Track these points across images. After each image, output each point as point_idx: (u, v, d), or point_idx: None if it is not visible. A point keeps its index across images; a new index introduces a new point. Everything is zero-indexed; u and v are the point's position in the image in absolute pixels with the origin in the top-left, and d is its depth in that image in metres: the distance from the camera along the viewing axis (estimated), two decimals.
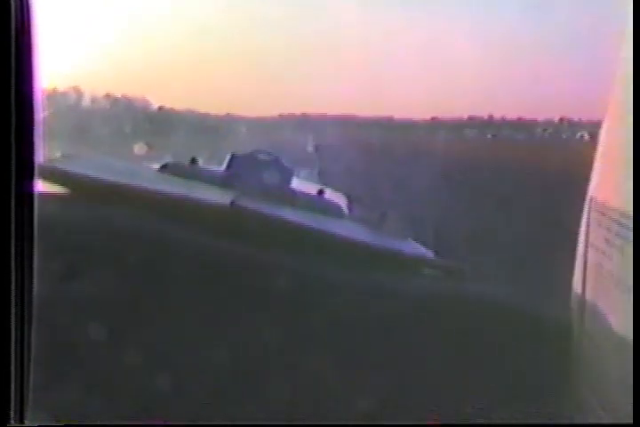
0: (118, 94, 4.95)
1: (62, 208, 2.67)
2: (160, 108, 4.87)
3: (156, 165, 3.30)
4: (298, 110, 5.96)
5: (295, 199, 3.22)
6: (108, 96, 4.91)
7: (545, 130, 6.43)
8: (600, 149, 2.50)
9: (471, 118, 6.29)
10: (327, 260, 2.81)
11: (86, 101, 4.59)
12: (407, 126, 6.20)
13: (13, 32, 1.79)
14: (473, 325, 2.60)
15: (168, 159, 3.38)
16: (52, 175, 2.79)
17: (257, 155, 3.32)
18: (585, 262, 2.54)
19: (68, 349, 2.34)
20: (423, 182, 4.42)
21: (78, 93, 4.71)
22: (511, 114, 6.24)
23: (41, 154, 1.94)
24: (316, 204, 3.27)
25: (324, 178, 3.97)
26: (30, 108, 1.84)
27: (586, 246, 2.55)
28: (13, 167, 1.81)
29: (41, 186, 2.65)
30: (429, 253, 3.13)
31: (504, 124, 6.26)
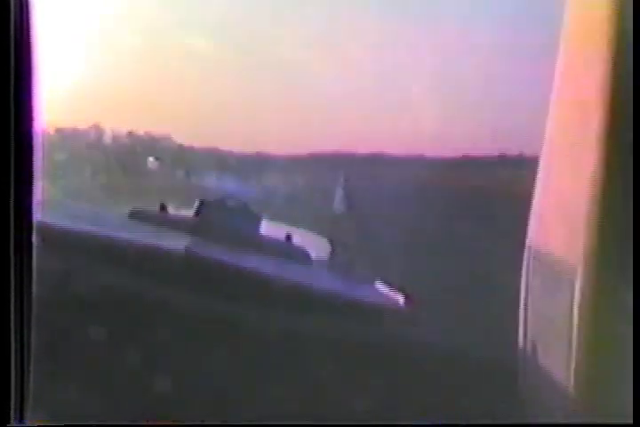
0: (141, 132, 5.04)
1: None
2: (180, 146, 4.96)
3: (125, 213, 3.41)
4: (328, 149, 6.02)
5: (262, 245, 3.29)
6: (129, 134, 5.02)
7: None
8: (536, 192, 2.55)
9: (501, 156, 6.28)
10: (291, 309, 2.85)
11: (105, 139, 4.72)
12: (440, 164, 6.20)
13: (13, 37, 1.89)
14: (432, 371, 2.65)
15: (138, 204, 3.49)
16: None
17: (225, 201, 3.42)
18: (525, 309, 2.60)
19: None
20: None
21: (97, 131, 4.82)
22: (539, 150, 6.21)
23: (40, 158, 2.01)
24: (284, 250, 3.34)
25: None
26: (30, 114, 1.95)
27: (526, 293, 2.60)
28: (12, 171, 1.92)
29: None
30: (398, 301, 3.14)
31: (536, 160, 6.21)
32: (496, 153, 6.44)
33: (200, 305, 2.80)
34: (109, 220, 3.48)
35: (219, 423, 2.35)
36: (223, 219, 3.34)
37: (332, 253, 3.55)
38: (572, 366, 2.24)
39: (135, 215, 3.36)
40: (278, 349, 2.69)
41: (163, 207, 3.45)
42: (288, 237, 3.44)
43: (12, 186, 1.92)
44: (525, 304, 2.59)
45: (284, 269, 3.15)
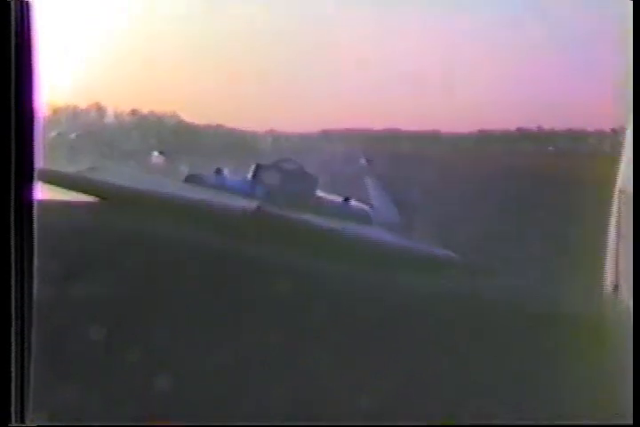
0: (145, 111, 5.08)
1: (89, 216, 2.86)
2: (185, 124, 5.01)
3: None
4: (342, 125, 6.10)
5: (321, 207, 3.38)
6: (133, 112, 5.06)
7: (600, 141, 6.49)
8: (628, 140, 2.60)
9: (519, 130, 6.38)
10: (353, 262, 2.94)
11: (110, 117, 4.76)
12: (455, 139, 6.30)
13: (13, 42, 1.91)
14: (502, 323, 2.71)
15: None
16: (82, 185, 2.99)
17: (282, 164, 3.50)
18: (617, 257, 2.62)
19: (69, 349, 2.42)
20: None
21: (100, 110, 4.86)
22: (559, 124, 6.30)
23: (40, 159, 2.06)
24: (343, 211, 3.42)
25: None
26: (30, 113, 1.96)
27: (617, 240, 2.63)
28: (13, 173, 1.94)
29: (69, 195, 2.89)
30: (459, 257, 3.25)
31: (554, 135, 6.34)
32: (514, 127, 6.59)
33: (270, 258, 2.86)
34: (165, 184, 3.54)
35: (218, 424, 2.38)
36: (280, 180, 3.42)
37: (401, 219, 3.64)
38: None
39: (191, 179, 3.44)
40: (343, 298, 2.75)
41: (219, 171, 3.52)
42: (346, 199, 3.53)
43: (12, 185, 1.95)
44: (617, 252, 2.63)
45: (347, 228, 3.23)
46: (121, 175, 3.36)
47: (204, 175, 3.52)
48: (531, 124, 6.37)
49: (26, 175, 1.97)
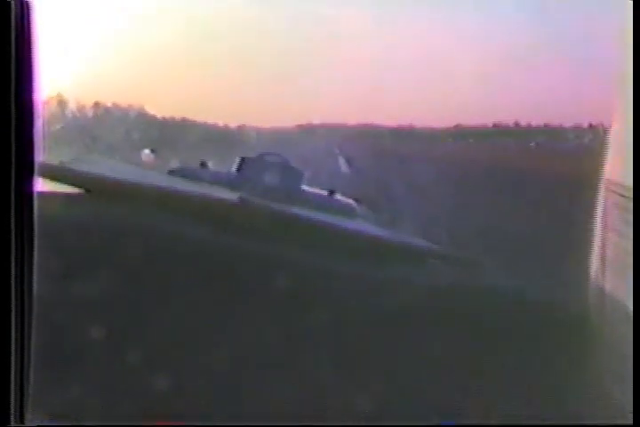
0: (125, 104, 5.12)
1: (76, 208, 2.94)
2: (169, 118, 5.07)
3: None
4: (316, 120, 6.19)
5: (306, 199, 3.47)
6: (115, 105, 5.10)
7: (578, 137, 6.63)
8: (613, 132, 2.68)
9: (496, 125, 6.50)
10: (337, 253, 3.04)
11: (91, 111, 4.82)
12: (431, 134, 6.41)
13: (13, 42, 1.99)
14: (487, 314, 2.81)
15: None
16: (67, 176, 3.07)
17: (266, 157, 3.59)
18: (603, 246, 2.71)
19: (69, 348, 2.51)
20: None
21: (81, 103, 4.90)
22: (536, 120, 6.42)
23: (41, 154, 2.14)
24: (328, 203, 3.52)
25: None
26: (30, 110, 2.04)
27: (604, 229, 2.71)
28: (14, 168, 2.02)
29: (53, 187, 2.96)
30: (442, 247, 3.35)
31: (531, 131, 6.46)
32: (490, 122, 6.70)
33: (254, 250, 2.94)
34: (150, 176, 3.62)
35: (219, 424, 2.46)
36: (264, 174, 3.49)
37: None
38: None
39: (176, 172, 3.52)
40: (325, 290, 2.83)
41: (203, 164, 3.60)
42: (331, 193, 3.62)
43: (13, 184, 2.03)
44: (603, 242, 2.70)
45: (331, 220, 3.32)
46: (105, 167, 3.44)
47: (188, 168, 3.60)
48: (507, 120, 6.51)
49: (26, 169, 2.05)
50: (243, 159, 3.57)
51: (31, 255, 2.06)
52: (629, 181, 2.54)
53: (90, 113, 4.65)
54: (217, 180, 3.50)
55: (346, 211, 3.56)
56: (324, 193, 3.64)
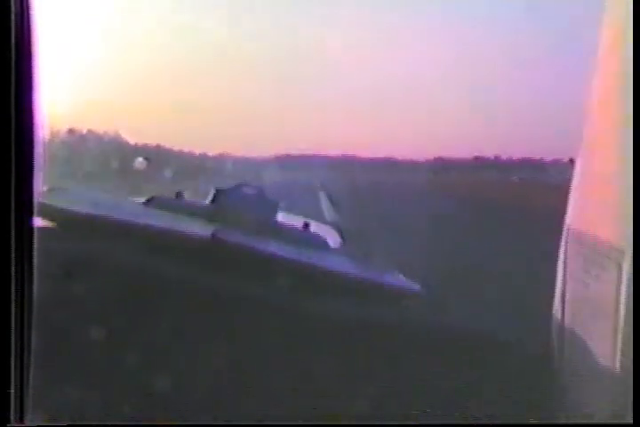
0: (104, 131, 5.19)
1: (48, 242, 2.96)
2: (157, 146, 5.15)
3: (141, 200, 3.60)
4: (295, 151, 6.27)
5: (280, 232, 3.49)
6: (96, 133, 5.17)
7: (560, 172, 6.69)
8: (576, 176, 2.75)
9: (477, 159, 6.61)
10: (310, 292, 3.08)
11: (74, 138, 4.88)
12: (413, 167, 6.50)
13: (13, 42, 1.99)
14: (455, 355, 2.85)
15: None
16: (40, 209, 3.09)
17: (241, 188, 3.62)
18: (563, 291, 2.77)
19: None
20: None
21: (69, 130, 4.96)
22: (516, 154, 6.54)
23: (40, 185, 2.18)
24: (301, 237, 3.55)
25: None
26: (30, 139, 2.07)
27: (564, 276, 2.78)
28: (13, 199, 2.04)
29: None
30: (414, 286, 3.41)
31: (512, 165, 6.57)
32: (470, 156, 6.80)
33: (224, 286, 2.98)
34: (124, 207, 3.65)
35: (219, 423, 2.47)
36: (239, 206, 3.54)
37: (344, 243, 3.78)
38: (618, 348, 2.30)
39: (152, 202, 3.55)
40: (299, 330, 2.87)
41: (179, 194, 3.64)
42: (305, 225, 3.67)
43: (13, 184, 2.04)
44: (563, 287, 2.76)
45: (303, 255, 3.36)
46: (77, 197, 3.47)
47: (163, 198, 3.64)
48: (488, 153, 6.63)
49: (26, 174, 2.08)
50: (217, 190, 3.61)
51: (30, 261, 2.09)
52: (590, 230, 2.59)
53: (64, 139, 4.70)
54: (192, 211, 3.54)
55: (318, 244, 3.61)
56: (300, 224, 3.69)
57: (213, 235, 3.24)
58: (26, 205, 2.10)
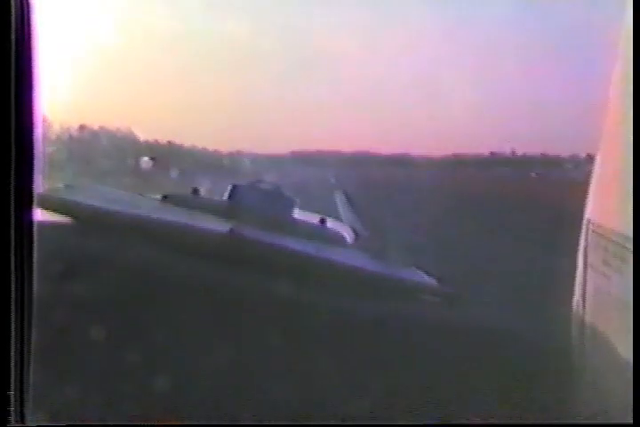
0: (117, 127, 5.17)
1: (66, 237, 2.98)
2: (169, 143, 5.15)
3: (158, 196, 3.64)
4: (311, 147, 6.27)
5: (296, 228, 3.53)
6: (115, 130, 5.15)
7: (576, 167, 6.69)
8: (596, 171, 2.76)
9: (493, 154, 6.60)
10: (328, 287, 3.10)
11: (87, 134, 4.88)
12: (428, 163, 6.48)
13: (13, 42, 2.01)
14: (474, 351, 2.87)
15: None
16: (57, 205, 3.11)
17: (258, 185, 3.66)
18: (584, 284, 2.78)
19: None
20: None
21: (80, 127, 4.95)
22: (533, 149, 6.54)
23: (40, 182, 2.20)
24: (318, 233, 3.58)
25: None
26: (30, 136, 2.06)
27: (584, 268, 2.79)
28: (13, 196, 2.05)
29: (45, 215, 3.01)
30: (432, 281, 3.43)
31: (528, 160, 6.56)
32: (487, 152, 6.80)
33: (241, 282, 3.00)
34: (141, 203, 3.68)
35: (219, 423, 2.46)
36: (256, 202, 3.57)
37: (359, 240, 3.80)
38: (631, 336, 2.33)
39: (168, 199, 3.59)
40: (316, 325, 2.89)
41: (195, 191, 3.67)
42: (322, 221, 3.69)
43: (13, 185, 2.05)
44: (583, 279, 2.77)
45: (320, 251, 3.38)
46: (95, 194, 3.50)
47: (180, 195, 3.67)
48: (504, 149, 6.62)
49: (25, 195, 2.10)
50: (234, 187, 3.64)
51: (30, 260, 2.10)
52: (610, 223, 2.59)
53: (76, 136, 4.71)
54: (209, 207, 3.57)
55: (336, 240, 3.63)
56: (316, 220, 3.72)
57: (231, 231, 3.26)
58: (26, 202, 2.11)
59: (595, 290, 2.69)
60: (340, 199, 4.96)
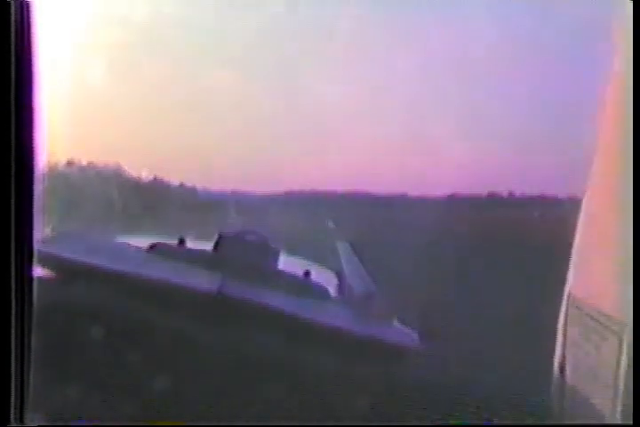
0: (104, 164, 5.17)
1: (48, 292, 3.03)
2: (155, 179, 5.18)
3: (145, 245, 3.69)
4: (306, 187, 6.30)
5: (281, 282, 3.58)
6: (96, 165, 5.15)
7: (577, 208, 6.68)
8: (577, 241, 2.79)
9: (491, 195, 6.63)
10: (312, 346, 3.15)
11: (75, 171, 4.90)
12: (426, 204, 6.50)
13: (13, 42, 2.00)
14: (457, 412, 2.91)
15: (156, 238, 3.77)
16: (38, 258, 3.15)
17: (244, 236, 3.71)
18: (562, 358, 2.82)
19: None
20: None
21: (68, 162, 4.96)
22: (531, 190, 6.56)
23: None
24: (302, 286, 3.63)
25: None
26: (30, 186, 2.07)
27: (563, 342, 2.83)
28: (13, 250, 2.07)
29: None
30: (413, 339, 3.46)
31: (527, 201, 6.58)
32: (485, 192, 6.83)
33: (226, 339, 3.05)
34: (126, 254, 3.73)
35: (219, 424, 2.56)
36: (242, 253, 3.62)
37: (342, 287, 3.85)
38: (618, 419, 2.46)
39: (154, 249, 3.64)
40: (294, 382, 2.93)
41: (181, 241, 3.72)
42: (306, 274, 3.74)
43: (13, 187, 2.05)
44: (562, 353, 2.80)
45: (303, 308, 3.44)
46: (79, 245, 3.55)
47: (167, 245, 3.72)
48: (501, 190, 6.64)
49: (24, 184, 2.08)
50: (220, 237, 3.69)
51: (30, 264, 2.11)
52: (592, 300, 2.63)
53: (64, 172, 4.72)
54: (195, 258, 3.62)
55: (319, 294, 3.68)
56: (300, 272, 3.76)
57: (219, 289, 3.32)
58: (26, 253, 2.15)
59: (574, 364, 2.72)
60: (343, 250, 4.99)
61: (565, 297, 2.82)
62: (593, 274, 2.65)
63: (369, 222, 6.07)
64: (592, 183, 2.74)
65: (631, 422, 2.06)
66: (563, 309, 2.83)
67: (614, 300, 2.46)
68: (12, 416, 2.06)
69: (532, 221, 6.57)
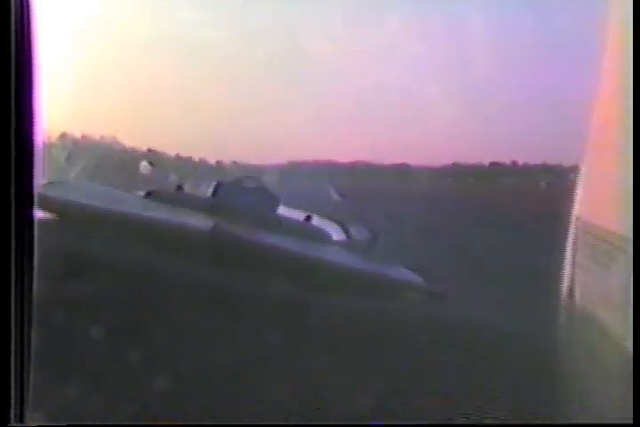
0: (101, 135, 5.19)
1: (49, 234, 3.04)
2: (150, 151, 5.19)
3: (142, 193, 3.70)
4: (308, 157, 6.30)
5: (281, 225, 3.59)
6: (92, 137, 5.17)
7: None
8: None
9: (494, 164, 6.61)
10: (312, 285, 3.15)
11: (77, 142, 4.92)
12: (428, 174, 6.50)
13: (13, 42, 2.11)
14: (460, 348, 2.92)
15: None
16: (40, 202, 3.18)
17: (242, 182, 3.71)
18: (572, 282, 2.84)
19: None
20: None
21: (72, 135, 4.99)
22: (534, 159, 6.55)
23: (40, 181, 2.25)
24: (303, 230, 3.64)
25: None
26: (30, 138, 2.19)
27: (572, 266, 2.85)
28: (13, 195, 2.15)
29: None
30: (417, 278, 3.48)
31: (530, 169, 6.58)
32: (487, 162, 6.82)
33: (223, 279, 3.05)
34: (124, 199, 3.74)
35: (219, 423, 2.55)
36: (240, 199, 3.62)
37: (348, 237, 3.85)
38: (631, 334, 2.44)
39: (152, 195, 3.65)
40: (300, 323, 2.94)
41: (179, 187, 3.73)
42: (308, 218, 3.74)
43: (13, 187, 2.16)
44: (571, 277, 2.83)
45: (305, 248, 3.43)
46: (80, 191, 3.56)
47: (164, 191, 3.72)
48: (504, 159, 6.63)
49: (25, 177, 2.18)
50: (218, 184, 3.69)
51: (31, 257, 2.21)
52: (600, 221, 2.66)
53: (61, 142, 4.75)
54: (193, 204, 3.63)
55: (320, 237, 3.68)
56: (301, 218, 3.76)
57: (214, 227, 3.31)
58: (26, 198, 2.18)
59: (583, 288, 2.75)
60: (333, 195, 4.99)
61: (573, 223, 2.86)
62: (602, 196, 2.69)
63: (371, 192, 6.07)
64: (596, 117, 2.78)
65: (631, 422, 2.24)
66: (570, 234, 2.86)
67: (618, 219, 2.50)
68: (12, 416, 2.13)
69: (536, 190, 6.58)
